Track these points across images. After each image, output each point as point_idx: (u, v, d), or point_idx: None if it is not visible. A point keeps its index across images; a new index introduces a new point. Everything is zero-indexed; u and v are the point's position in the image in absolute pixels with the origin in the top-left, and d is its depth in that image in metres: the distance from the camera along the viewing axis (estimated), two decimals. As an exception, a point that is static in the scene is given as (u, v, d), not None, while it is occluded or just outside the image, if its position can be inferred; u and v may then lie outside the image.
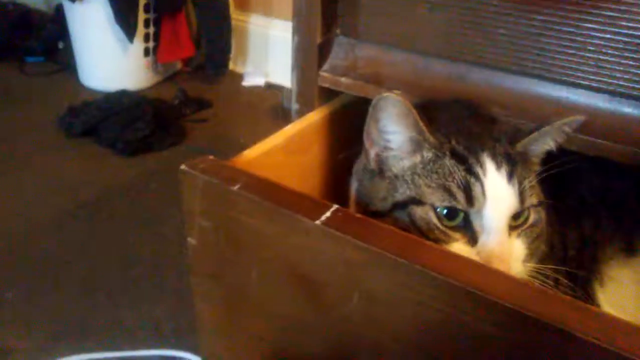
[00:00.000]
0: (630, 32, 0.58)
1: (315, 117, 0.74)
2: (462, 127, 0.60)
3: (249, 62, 2.04)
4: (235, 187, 0.54)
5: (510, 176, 0.56)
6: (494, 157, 0.56)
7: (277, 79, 1.95)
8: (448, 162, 0.56)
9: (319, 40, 0.73)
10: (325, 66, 0.74)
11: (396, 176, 0.60)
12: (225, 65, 1.97)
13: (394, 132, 0.60)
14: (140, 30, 1.82)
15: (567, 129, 0.58)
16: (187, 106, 1.81)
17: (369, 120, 0.61)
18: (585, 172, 0.72)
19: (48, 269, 1.14)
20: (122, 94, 1.79)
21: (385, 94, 0.57)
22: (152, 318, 1.01)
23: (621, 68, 0.60)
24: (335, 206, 0.52)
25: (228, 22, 1.92)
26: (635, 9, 0.57)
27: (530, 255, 0.58)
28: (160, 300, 1.05)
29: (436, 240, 0.56)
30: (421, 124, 0.57)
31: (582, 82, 0.62)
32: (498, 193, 0.55)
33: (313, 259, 0.53)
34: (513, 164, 0.56)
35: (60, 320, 1.01)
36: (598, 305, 0.67)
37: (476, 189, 0.55)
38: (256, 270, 0.58)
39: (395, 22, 0.71)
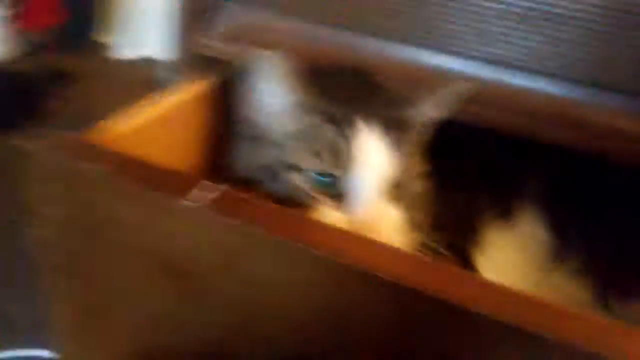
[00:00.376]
0: (512, 0, 0.57)
1: (196, 87, 0.67)
2: (343, 93, 0.58)
3: (119, 33, 1.88)
4: (91, 167, 0.46)
5: (385, 140, 0.54)
6: (371, 122, 0.54)
7: (150, 51, 1.81)
8: (323, 126, 0.54)
9: (203, 4, 0.66)
10: (210, 33, 0.67)
11: (275, 142, 0.57)
12: (89, 35, 1.82)
13: (273, 94, 0.57)
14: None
15: (450, 97, 0.57)
16: (50, 82, 1.65)
17: (248, 82, 0.58)
18: (464, 141, 0.71)
19: None
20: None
21: (267, 53, 0.54)
22: (5, 315, 0.90)
23: (504, 38, 0.59)
24: (207, 183, 0.46)
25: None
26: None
27: (413, 225, 0.57)
28: (14, 295, 0.94)
29: (308, 207, 0.54)
30: (300, 87, 0.55)
31: (467, 52, 0.61)
32: (369, 158, 0.53)
33: (185, 245, 0.47)
34: (390, 130, 0.55)
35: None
36: (477, 272, 0.67)
37: (345, 153, 0.53)
38: (118, 263, 0.50)
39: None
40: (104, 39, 1.88)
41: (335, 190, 0.54)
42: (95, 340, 0.58)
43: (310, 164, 0.54)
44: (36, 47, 1.81)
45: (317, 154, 0.53)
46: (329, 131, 0.54)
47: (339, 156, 0.53)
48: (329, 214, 0.54)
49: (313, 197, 0.54)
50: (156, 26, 1.77)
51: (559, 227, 0.70)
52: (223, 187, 0.45)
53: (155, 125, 0.60)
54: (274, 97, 0.57)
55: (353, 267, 0.40)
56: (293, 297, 0.44)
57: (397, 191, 0.55)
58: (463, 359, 0.40)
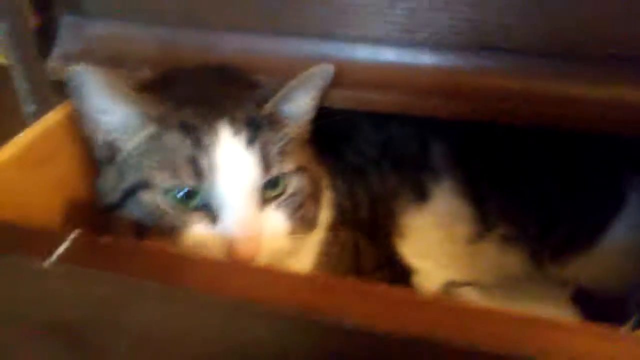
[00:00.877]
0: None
1: (55, 117, 0.60)
2: (201, 95, 0.52)
3: None
4: None
5: (250, 142, 0.49)
6: (232, 123, 0.49)
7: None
8: (174, 135, 0.49)
9: (34, 22, 0.58)
10: (54, 53, 0.60)
11: (124, 160, 0.51)
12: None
13: (104, 110, 0.51)
14: None
15: (317, 81, 0.53)
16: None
17: (75, 102, 0.52)
18: (362, 127, 0.68)
19: None
20: None
21: (78, 67, 0.48)
22: None
23: (376, 13, 0.55)
24: (73, 234, 0.41)
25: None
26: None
27: (298, 226, 0.52)
28: None
29: (174, 228, 0.48)
30: (133, 96, 0.50)
31: (337, 32, 0.57)
32: (233, 163, 0.48)
33: (58, 305, 0.41)
34: (256, 128, 0.50)
35: None
36: (404, 260, 0.64)
37: (203, 161, 0.48)
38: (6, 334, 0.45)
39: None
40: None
41: (198, 204, 0.48)
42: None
43: (164, 180, 0.48)
44: None
45: (171, 168, 0.48)
46: (183, 141, 0.48)
47: (198, 168, 0.48)
48: (199, 232, 0.49)
49: (173, 215, 0.48)
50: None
51: (478, 195, 0.67)
52: (73, 235, 0.40)
53: (11, 167, 0.53)
54: (104, 113, 0.51)
55: (235, 300, 0.36)
56: (186, 343, 0.40)
57: (276, 194, 0.51)
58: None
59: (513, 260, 0.68)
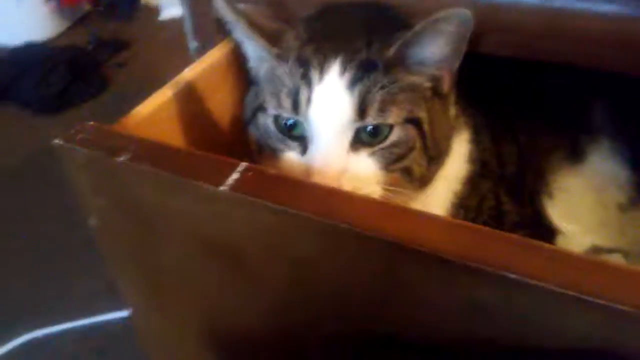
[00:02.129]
0: None
1: (216, 54, 0.64)
2: (336, 31, 0.53)
3: (164, -7, 1.87)
4: (122, 158, 0.45)
5: (352, 84, 0.49)
6: (343, 62, 0.49)
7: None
8: (288, 67, 0.51)
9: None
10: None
11: (258, 84, 0.56)
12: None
13: (242, 42, 0.57)
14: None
15: (445, 26, 0.48)
16: (103, 50, 1.66)
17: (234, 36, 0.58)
18: (516, 77, 0.64)
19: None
20: (29, 46, 1.63)
21: (218, 2, 0.53)
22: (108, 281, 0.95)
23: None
24: (242, 164, 0.44)
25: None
26: None
27: (398, 178, 0.52)
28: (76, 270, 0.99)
29: (276, 150, 0.53)
30: (253, 32, 0.53)
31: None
32: (329, 101, 0.49)
33: (226, 228, 0.46)
34: (366, 71, 0.49)
35: (9, 297, 0.94)
36: (550, 220, 0.62)
37: (302, 95, 0.50)
38: (169, 247, 0.50)
39: None
40: (152, 1, 1.87)
41: (296, 134, 0.51)
42: (166, 320, 0.60)
43: (273, 107, 0.52)
44: (79, 20, 1.83)
45: (277, 97, 0.51)
46: (293, 74, 0.50)
47: (298, 101, 0.50)
48: (291, 157, 0.52)
49: (276, 138, 0.52)
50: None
51: (637, 162, 0.62)
52: (243, 165, 0.43)
53: (177, 101, 0.59)
54: (243, 44, 0.57)
55: (395, 241, 0.37)
56: (335, 272, 0.43)
57: (374, 140, 0.50)
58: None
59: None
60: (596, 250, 0.63)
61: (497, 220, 0.59)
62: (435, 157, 0.53)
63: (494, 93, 0.64)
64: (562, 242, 0.62)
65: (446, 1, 0.52)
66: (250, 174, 0.44)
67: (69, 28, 1.79)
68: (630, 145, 0.62)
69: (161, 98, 0.57)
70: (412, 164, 0.51)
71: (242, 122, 0.59)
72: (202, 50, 0.65)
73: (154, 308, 0.59)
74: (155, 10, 1.84)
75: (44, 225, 1.10)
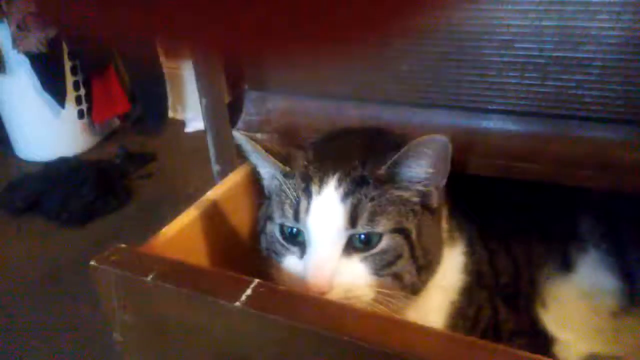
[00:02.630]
0: (528, 52, 0.57)
1: (236, 177, 0.72)
2: (338, 151, 0.61)
3: (189, 108, 2.01)
4: (149, 278, 0.51)
5: (345, 196, 0.55)
6: (339, 177, 0.57)
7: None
8: (293, 183, 0.59)
9: (227, 99, 0.71)
10: (239, 124, 0.72)
11: (268, 197, 0.64)
12: (164, 114, 1.94)
13: (255, 164, 0.66)
14: (71, 93, 1.78)
15: (425, 150, 0.55)
16: (131, 163, 1.76)
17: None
18: (508, 194, 0.70)
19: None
20: (61, 161, 1.74)
21: (235, 133, 0.63)
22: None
23: (524, 88, 0.59)
24: (255, 281, 0.50)
25: (160, 72, 1.90)
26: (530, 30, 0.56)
27: (389, 283, 0.56)
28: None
29: (279, 255, 0.60)
30: (266, 155, 0.61)
31: (492, 107, 0.61)
32: (324, 211, 0.56)
33: (240, 341, 0.50)
34: (359, 185, 0.56)
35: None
36: (546, 328, 0.66)
37: (302, 206, 0.57)
38: (187, 356, 0.55)
39: (303, 70, 0.70)
40: (179, 116, 2.01)
41: (298, 240, 0.58)
42: None
43: (277, 216, 0.59)
44: (110, 135, 1.96)
45: (282, 208, 0.58)
46: (296, 188, 0.58)
47: (298, 210, 0.57)
48: (292, 261, 0.58)
49: (279, 244, 0.59)
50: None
51: (625, 269, 0.66)
52: (256, 282, 0.49)
53: (201, 221, 0.65)
54: (256, 166, 0.65)
55: (399, 355, 0.41)
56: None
57: (365, 247, 0.55)
58: None
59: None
60: (593, 357, 0.65)
61: (494, 329, 0.63)
62: (425, 266, 0.58)
63: (489, 207, 0.69)
64: (559, 350, 0.65)
65: (436, 127, 0.60)
66: (262, 289, 0.49)
67: (99, 143, 1.91)
68: (617, 255, 0.67)
69: (187, 218, 0.64)
70: (402, 271, 0.57)
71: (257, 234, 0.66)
72: (224, 173, 0.72)
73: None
74: (180, 124, 1.97)
75: (59, 340, 1.12)
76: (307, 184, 0.58)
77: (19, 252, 1.44)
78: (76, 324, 1.15)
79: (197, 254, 0.65)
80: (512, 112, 0.61)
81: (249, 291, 0.49)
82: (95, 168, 1.67)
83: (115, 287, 0.54)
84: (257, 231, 0.66)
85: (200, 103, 0.71)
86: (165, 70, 1.92)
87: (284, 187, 0.59)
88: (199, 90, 0.70)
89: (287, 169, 0.60)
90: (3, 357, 1.09)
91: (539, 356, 0.40)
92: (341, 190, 0.56)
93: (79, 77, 1.79)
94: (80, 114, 1.83)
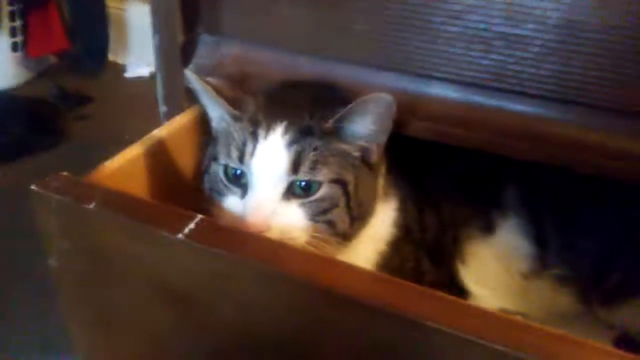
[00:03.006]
0: (476, 25, 0.60)
1: (183, 119, 0.72)
2: (288, 101, 0.63)
3: (131, 52, 1.94)
4: (91, 205, 0.51)
5: (290, 144, 0.58)
6: (287, 126, 0.59)
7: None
8: (241, 126, 0.61)
9: (181, 39, 0.70)
10: (191, 66, 0.72)
11: (215, 138, 0.66)
12: (104, 55, 1.87)
13: (207, 105, 0.67)
14: (6, 24, 1.68)
15: (371, 108, 0.58)
16: (65, 102, 1.70)
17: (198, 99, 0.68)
18: (440, 157, 0.75)
19: None
20: (-9, 94, 1.66)
21: (188, 72, 0.65)
22: (42, 336, 0.95)
23: (468, 59, 0.62)
24: (199, 216, 0.51)
25: (103, 11, 1.82)
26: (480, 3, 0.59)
27: (323, 230, 0.60)
28: (50, 316, 0.98)
29: (221, 193, 0.62)
30: (217, 96, 0.62)
31: (437, 74, 0.64)
32: (269, 156, 0.58)
33: (180, 273, 0.52)
34: (304, 135, 0.58)
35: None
36: (462, 283, 0.71)
37: (248, 149, 0.59)
38: (123, 290, 0.56)
39: (259, 19, 0.70)
40: (119, 59, 1.95)
41: (240, 181, 0.60)
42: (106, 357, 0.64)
43: (222, 157, 0.61)
44: (45, 72, 1.88)
45: (228, 150, 0.60)
46: (244, 132, 0.60)
47: (244, 153, 0.59)
48: (233, 201, 0.61)
49: (222, 184, 0.61)
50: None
51: (540, 236, 0.73)
52: (199, 217, 0.50)
53: (145, 159, 0.66)
54: (207, 107, 0.67)
55: (327, 289, 0.44)
56: (274, 316, 0.49)
57: (304, 194, 0.58)
58: None
59: (564, 300, 0.73)
60: (502, 312, 0.71)
61: (416, 280, 0.67)
62: (358, 217, 0.62)
63: (423, 168, 0.74)
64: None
65: (383, 88, 0.62)
66: (204, 224, 0.51)
67: (32, 79, 1.83)
68: (534, 222, 0.73)
69: (130, 154, 0.64)
70: (336, 219, 0.60)
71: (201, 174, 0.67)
72: (170, 114, 0.72)
73: (103, 349, 0.63)
74: (121, 68, 1.91)
75: None
76: (255, 128, 0.60)
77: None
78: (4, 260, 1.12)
79: (139, 189, 0.65)
80: (455, 81, 0.64)
81: (192, 225, 0.50)
82: (26, 103, 1.61)
83: (55, 213, 0.54)
84: (200, 172, 0.67)
85: (153, 39, 0.70)
86: (109, 10, 1.84)
87: (231, 129, 0.61)
88: (153, 26, 0.69)
89: (236, 112, 0.62)
90: None
91: (448, 295, 0.44)
92: (287, 137, 0.58)
93: (16, 8, 1.69)
94: (14, 47, 1.73)
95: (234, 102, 0.62)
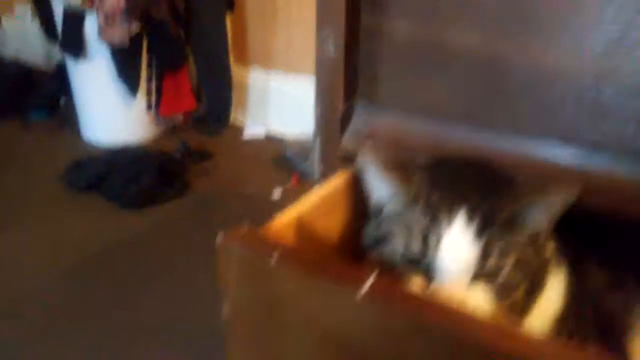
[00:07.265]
0: None
1: (338, 180, 0.76)
2: (454, 183, 0.63)
3: (249, 115, 2.07)
4: (273, 260, 0.55)
5: (477, 234, 0.58)
6: (469, 214, 0.59)
7: (276, 130, 1.98)
8: (418, 211, 0.61)
9: (341, 108, 0.75)
10: (347, 133, 0.77)
11: (382, 218, 0.66)
12: (227, 118, 2.01)
13: (373, 184, 0.68)
14: (142, 84, 1.85)
15: (556, 205, 0.59)
16: (189, 158, 1.83)
17: (359, 171, 0.70)
18: (612, 234, 0.72)
19: (51, 329, 1.13)
20: (126, 147, 1.81)
21: (365, 148, 0.67)
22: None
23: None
24: (375, 274, 0.53)
25: (228, 76, 1.97)
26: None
27: (505, 311, 0.60)
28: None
29: (400, 274, 0.61)
30: (393, 179, 0.64)
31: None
32: (456, 247, 0.58)
33: (355, 329, 0.54)
34: (487, 224, 0.58)
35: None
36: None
37: (432, 238, 0.59)
38: (295, 340, 0.58)
39: (414, 89, 0.74)
40: (238, 121, 2.08)
41: (423, 267, 0.60)
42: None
43: (399, 244, 0.61)
44: (172, 129, 2.03)
45: (407, 238, 0.60)
46: (421, 218, 0.60)
47: (427, 242, 0.59)
48: (417, 282, 0.60)
49: (404, 269, 0.61)
50: (281, 108, 1.94)
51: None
52: (374, 274, 0.52)
53: (312, 215, 0.70)
54: (374, 185, 0.67)
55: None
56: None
57: (488, 278, 0.58)
58: None
59: None
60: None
61: None
62: (532, 292, 0.62)
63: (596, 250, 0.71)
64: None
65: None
66: (381, 283, 0.53)
67: (162, 135, 1.99)
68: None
69: (296, 211, 0.68)
70: (517, 298, 0.60)
71: (363, 247, 0.68)
72: (325, 174, 0.77)
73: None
74: (239, 129, 2.03)
75: (108, 318, 1.18)
76: (435, 215, 0.60)
77: (77, 229, 1.51)
78: (126, 302, 1.20)
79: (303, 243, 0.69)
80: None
81: (369, 282, 0.52)
82: (156, 158, 1.74)
83: (236, 264, 0.58)
84: (348, 240, 0.69)
85: (315, 108, 0.75)
86: (232, 75, 1.99)
87: (407, 212, 0.62)
88: (316, 97, 0.75)
89: (412, 194, 0.62)
90: (53, 330, 1.13)
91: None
92: (473, 228, 0.59)
93: (153, 71, 1.87)
94: (149, 106, 1.90)
95: (402, 180, 0.64)
